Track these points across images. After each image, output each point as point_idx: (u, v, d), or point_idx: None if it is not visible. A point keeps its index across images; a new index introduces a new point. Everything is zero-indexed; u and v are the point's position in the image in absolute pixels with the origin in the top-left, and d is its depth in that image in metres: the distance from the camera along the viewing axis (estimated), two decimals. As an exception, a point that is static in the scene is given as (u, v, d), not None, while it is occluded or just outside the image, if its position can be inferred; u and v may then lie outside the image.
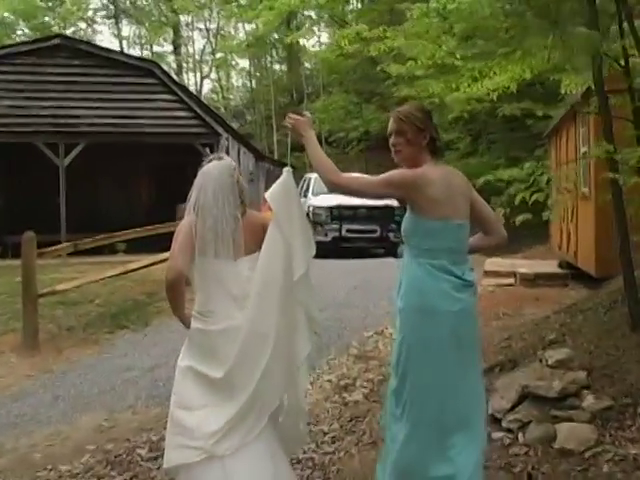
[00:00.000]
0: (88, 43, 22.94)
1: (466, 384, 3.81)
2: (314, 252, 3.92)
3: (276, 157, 37.27)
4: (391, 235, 19.39)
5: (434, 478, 3.72)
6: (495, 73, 8.48)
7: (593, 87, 7.06)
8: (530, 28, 6.89)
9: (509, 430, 5.37)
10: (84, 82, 19.80)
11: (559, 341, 6.86)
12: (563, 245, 14.34)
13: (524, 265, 14.47)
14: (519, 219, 9.58)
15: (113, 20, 52.86)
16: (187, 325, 4.02)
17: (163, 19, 50.86)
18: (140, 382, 7.88)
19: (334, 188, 3.82)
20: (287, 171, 3.88)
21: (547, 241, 19.03)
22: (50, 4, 47.83)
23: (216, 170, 3.97)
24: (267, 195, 3.84)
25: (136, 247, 15.79)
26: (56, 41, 20.21)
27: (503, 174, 17.68)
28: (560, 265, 14.27)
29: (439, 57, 8.55)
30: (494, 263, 14.75)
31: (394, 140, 3.91)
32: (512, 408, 5.54)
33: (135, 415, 6.85)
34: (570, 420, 5.21)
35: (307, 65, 48.69)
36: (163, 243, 12.63)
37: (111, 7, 52.14)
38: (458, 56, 8.62)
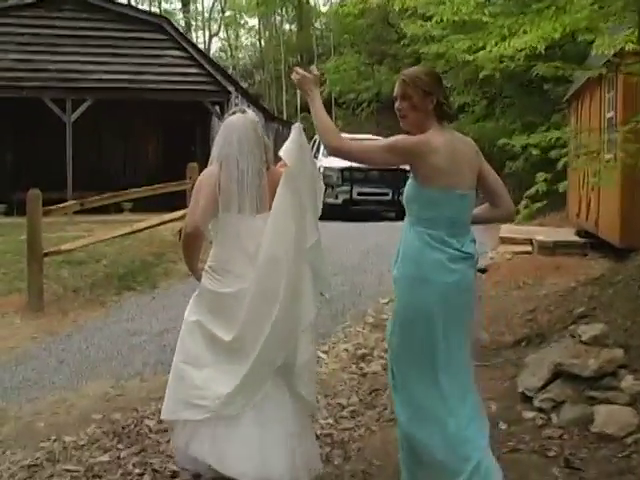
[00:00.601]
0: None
1: (456, 356, 3.69)
2: (319, 213, 3.91)
3: (285, 118, 36.74)
4: (403, 198, 18.96)
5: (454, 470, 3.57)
6: (525, 31, 8.02)
7: (633, 47, 6.66)
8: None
9: (541, 410, 5.06)
10: (92, 36, 19.36)
11: (589, 315, 6.53)
12: (582, 213, 13.97)
13: (541, 232, 14.11)
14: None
15: (122, -25, 52.18)
16: (198, 279, 4.00)
17: (172, -25, 50.14)
18: (148, 347, 7.57)
19: (334, 152, 3.66)
20: (297, 127, 3.82)
21: (563, 209, 18.65)
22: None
23: (240, 122, 3.92)
24: (281, 152, 3.73)
25: (142, 206, 15.56)
26: (64, -7, 19.74)
27: (520, 139, 17.27)
28: (578, 234, 13.90)
29: (466, 12, 8.07)
30: (510, 230, 14.36)
31: (399, 104, 3.75)
32: (544, 386, 5.22)
33: (143, 383, 6.54)
34: (608, 402, 4.88)
35: (317, 25, 48.04)
36: (170, 202, 12.42)
37: (120, -38, 51.45)
38: (486, 12, 8.17)
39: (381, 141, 3.73)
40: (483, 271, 11.02)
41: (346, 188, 19.07)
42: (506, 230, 14.19)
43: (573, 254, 12.25)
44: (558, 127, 20.15)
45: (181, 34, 21.18)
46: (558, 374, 5.20)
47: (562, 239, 13.07)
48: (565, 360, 5.21)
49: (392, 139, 3.67)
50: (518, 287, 9.69)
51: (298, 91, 3.96)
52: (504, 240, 13.60)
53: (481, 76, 10.33)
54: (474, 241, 3.78)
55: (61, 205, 10.40)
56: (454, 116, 3.97)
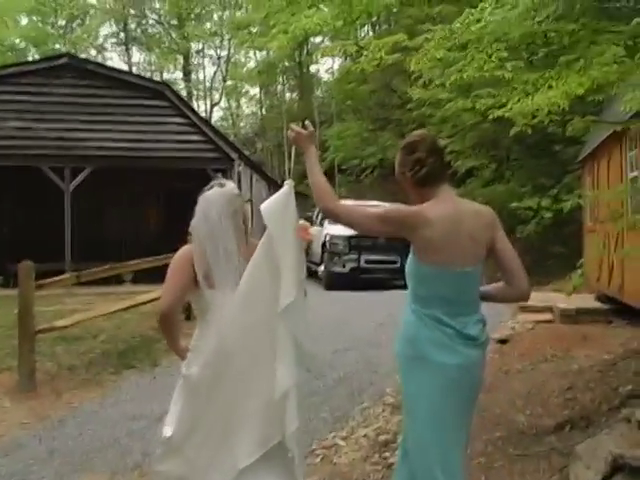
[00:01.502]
0: (96, 63, 22.23)
1: (460, 444, 3.54)
2: (304, 276, 3.72)
3: (288, 185, 36.42)
4: (406, 271, 18.48)
5: None
6: (550, 87, 7.50)
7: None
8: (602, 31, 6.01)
9: (603, 511, 4.38)
10: (92, 103, 18.99)
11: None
12: (602, 277, 13.31)
13: (560, 299, 13.47)
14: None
15: (123, 47, 52.87)
16: (183, 358, 3.90)
17: (174, 46, 50.52)
18: (148, 435, 6.82)
19: (326, 213, 3.60)
20: (287, 184, 3.66)
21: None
22: (61, 31, 47.97)
23: (216, 196, 3.83)
24: (262, 207, 3.61)
25: (144, 277, 14.93)
26: (63, 60, 19.44)
27: (529, 202, 16.66)
28: (599, 299, 13.27)
29: (489, 69, 7.54)
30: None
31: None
32: (603, 482, 4.53)
33: (142, 478, 5.84)
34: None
35: (319, 93, 48.36)
36: (173, 274, 11.86)
37: (121, 34, 52.21)
38: (508, 67, 7.65)
39: (376, 210, 3.60)
40: (503, 342, 10.45)
41: (353, 256, 18.61)
42: (524, 297, 13.58)
43: (597, 321, 11.67)
44: (570, 189, 19.84)
45: (183, 100, 20.75)
46: (619, 468, 4.51)
47: (584, 306, 12.45)
48: (625, 451, 4.54)
49: (386, 209, 3.59)
50: (545, 360, 9.04)
51: (290, 152, 3.88)
52: (523, 308, 13.00)
53: (512, 132, 9.68)
54: (482, 321, 3.54)
55: (56, 279, 9.75)
56: (436, 174, 3.61)
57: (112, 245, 20.49)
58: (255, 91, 53.10)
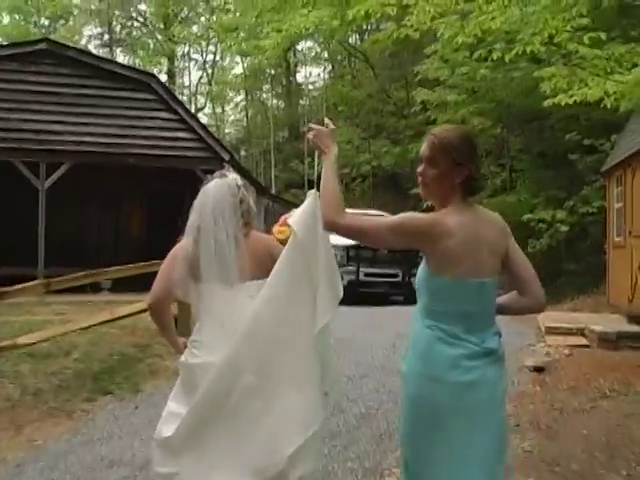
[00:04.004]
0: (78, 50, 20.71)
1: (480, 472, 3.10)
2: (341, 296, 3.51)
3: (274, 192, 35.36)
4: (414, 280, 17.24)
5: None
6: (636, 65, 6.14)
7: None
8: None
9: None
10: (71, 94, 17.64)
11: None
12: (638, 298, 12.00)
13: (589, 321, 12.16)
14: None
15: (107, 49, 52.02)
16: (177, 350, 3.93)
17: (158, 48, 49.63)
18: (130, 490, 5.34)
19: (329, 227, 3.22)
20: (312, 194, 3.47)
21: (595, 291, 16.88)
22: (44, 31, 46.99)
23: (215, 188, 3.76)
24: (290, 220, 3.47)
25: (124, 285, 13.54)
26: (42, 46, 18.03)
27: (543, 214, 15.30)
28: (636, 321, 11.97)
29: (562, 40, 6.14)
30: (552, 318, 12.45)
31: (422, 169, 3.32)
32: None
33: None
34: None
35: (305, 102, 48.03)
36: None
37: (106, 36, 51.48)
38: (586, 40, 6.24)
39: (386, 220, 3.27)
40: (540, 370, 9.14)
41: (352, 268, 17.24)
42: (548, 318, 12.29)
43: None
44: (586, 201, 18.70)
45: (171, 94, 19.32)
46: None
47: (625, 330, 11.13)
48: None
49: (400, 217, 3.24)
50: (605, 396, 7.70)
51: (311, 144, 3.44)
52: (550, 330, 11.66)
53: (622, 109, 7.91)
54: (498, 334, 3.27)
55: (20, 286, 8.25)
56: (482, 189, 3.47)
57: (90, 249, 19.25)
58: (240, 98, 52.56)
